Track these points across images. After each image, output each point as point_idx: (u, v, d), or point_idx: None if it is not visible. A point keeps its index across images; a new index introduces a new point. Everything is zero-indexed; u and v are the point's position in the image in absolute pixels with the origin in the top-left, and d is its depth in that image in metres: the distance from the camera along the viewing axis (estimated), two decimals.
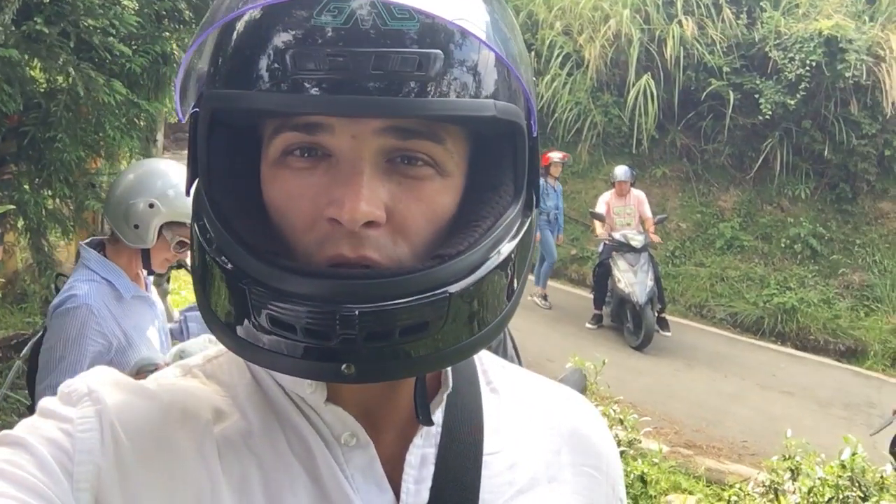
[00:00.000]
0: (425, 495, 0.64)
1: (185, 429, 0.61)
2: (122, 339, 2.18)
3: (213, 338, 2.46)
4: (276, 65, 0.54)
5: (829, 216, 10.32)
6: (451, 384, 0.68)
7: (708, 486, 4.91)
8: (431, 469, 0.65)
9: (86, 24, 3.14)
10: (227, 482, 0.60)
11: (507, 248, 0.59)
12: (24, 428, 0.58)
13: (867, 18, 10.06)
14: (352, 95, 0.52)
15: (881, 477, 2.87)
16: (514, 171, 0.61)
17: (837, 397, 7.21)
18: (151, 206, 2.23)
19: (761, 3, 10.58)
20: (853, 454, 2.94)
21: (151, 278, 2.44)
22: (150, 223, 2.24)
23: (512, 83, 0.59)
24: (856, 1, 10.34)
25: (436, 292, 0.54)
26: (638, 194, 8.26)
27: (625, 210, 8.08)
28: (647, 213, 8.16)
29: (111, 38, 3.40)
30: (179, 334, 2.60)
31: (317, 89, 0.53)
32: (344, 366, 0.53)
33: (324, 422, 0.64)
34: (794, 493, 2.94)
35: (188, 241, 2.40)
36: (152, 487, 0.58)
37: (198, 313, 2.64)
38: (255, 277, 0.55)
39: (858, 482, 2.81)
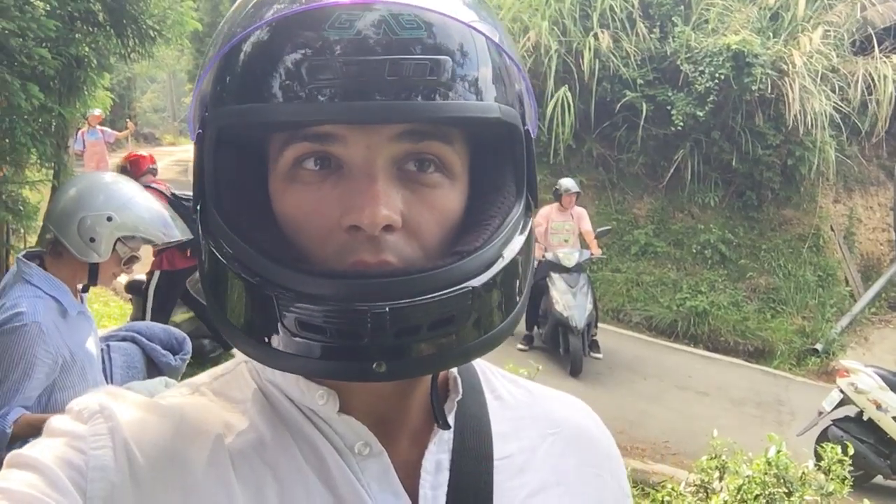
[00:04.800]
0: (442, 501, 0.65)
1: (198, 443, 0.61)
2: (68, 356, 2.09)
3: (169, 381, 2.39)
4: (291, 77, 0.55)
5: (737, 223, 10.79)
6: (461, 390, 0.70)
7: (634, 487, 5.03)
8: (446, 475, 0.67)
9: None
10: (243, 494, 0.60)
11: (516, 244, 0.62)
12: (36, 448, 0.58)
13: (771, 34, 10.57)
14: (368, 102, 0.54)
15: (803, 473, 3.00)
16: (515, 172, 0.64)
17: (749, 396, 7.52)
18: (110, 218, 2.15)
19: (673, 18, 10.98)
20: (778, 451, 3.07)
21: (87, 294, 2.34)
22: (108, 236, 2.16)
23: (510, 87, 0.62)
24: (761, 17, 10.85)
25: (460, 286, 0.57)
26: (579, 209, 7.73)
27: (563, 226, 7.58)
28: (588, 227, 7.68)
29: (26, 41, 3.24)
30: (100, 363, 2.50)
31: (334, 98, 0.54)
32: (375, 364, 0.54)
33: (336, 432, 0.64)
34: (722, 491, 3.04)
35: (139, 257, 2.33)
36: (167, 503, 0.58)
37: (123, 344, 2.56)
38: (282, 285, 0.56)
39: (783, 478, 2.94)
